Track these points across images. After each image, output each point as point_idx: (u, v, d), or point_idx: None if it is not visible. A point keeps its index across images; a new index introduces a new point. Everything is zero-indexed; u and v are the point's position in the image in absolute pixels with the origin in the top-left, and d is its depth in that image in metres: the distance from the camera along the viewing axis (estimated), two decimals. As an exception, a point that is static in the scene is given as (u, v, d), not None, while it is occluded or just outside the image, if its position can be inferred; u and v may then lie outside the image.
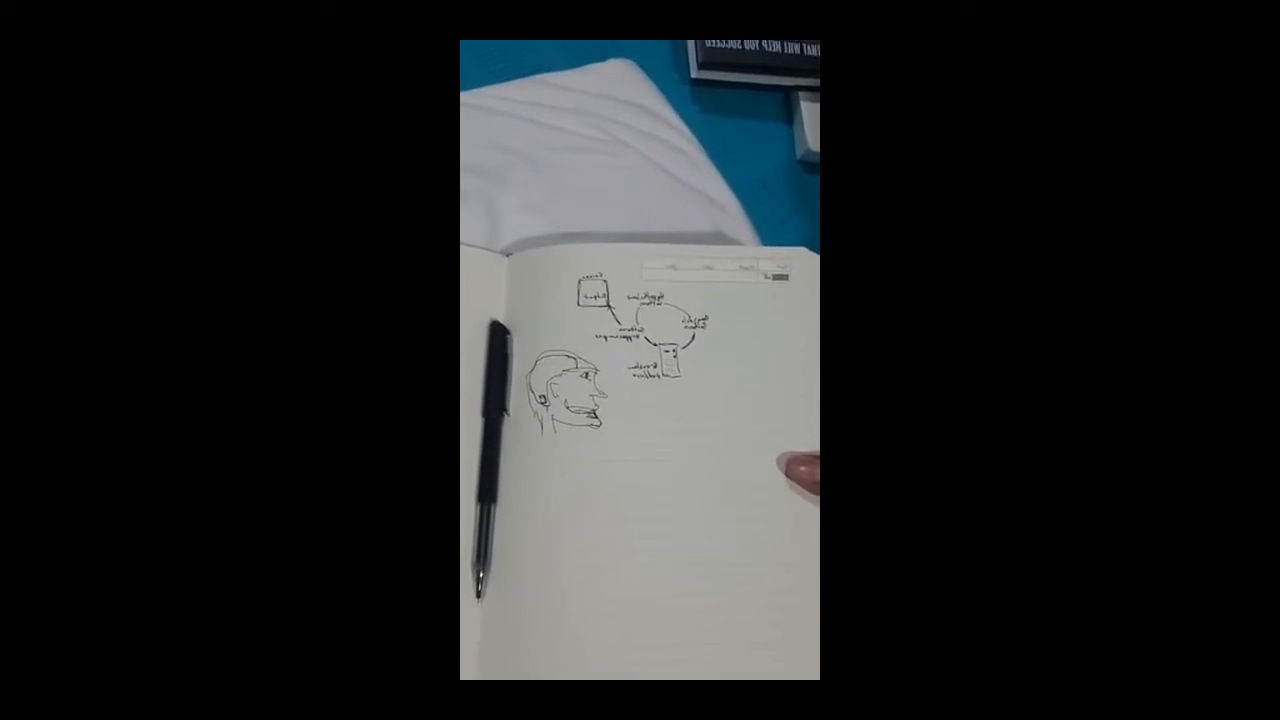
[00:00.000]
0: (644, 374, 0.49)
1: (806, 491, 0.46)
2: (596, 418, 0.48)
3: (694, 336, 0.49)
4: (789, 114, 0.64)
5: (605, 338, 0.49)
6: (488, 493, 0.47)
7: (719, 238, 0.57)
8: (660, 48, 0.64)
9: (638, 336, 0.49)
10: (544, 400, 0.48)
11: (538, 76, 0.60)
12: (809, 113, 0.63)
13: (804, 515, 0.46)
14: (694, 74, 0.63)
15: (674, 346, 0.49)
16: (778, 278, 0.50)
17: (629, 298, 0.50)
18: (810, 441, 0.47)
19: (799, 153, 0.63)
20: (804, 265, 0.50)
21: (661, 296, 0.49)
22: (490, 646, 0.44)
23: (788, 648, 0.45)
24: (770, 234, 0.59)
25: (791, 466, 0.46)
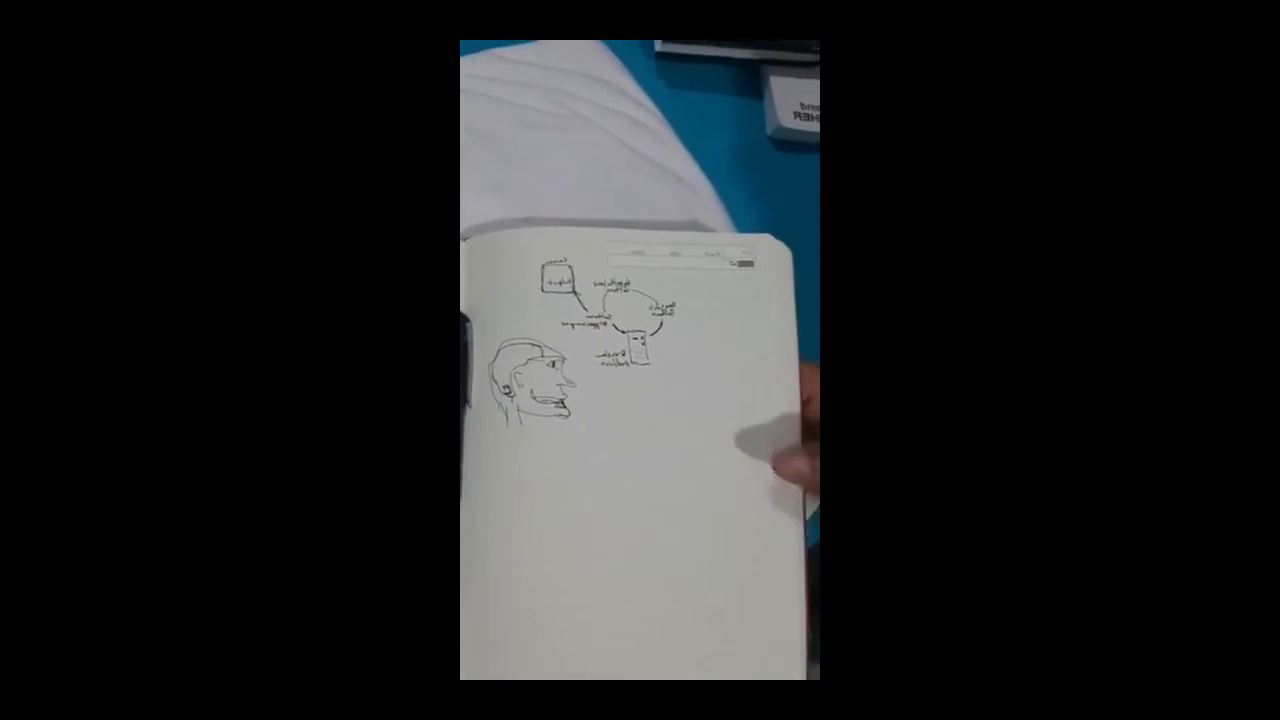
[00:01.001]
0: (613, 362, 0.47)
1: (795, 485, 0.44)
2: (565, 407, 0.46)
3: (662, 324, 0.47)
4: (758, 89, 0.62)
5: (572, 325, 0.47)
6: (450, 490, 0.44)
7: (688, 216, 0.54)
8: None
9: (605, 324, 0.47)
10: (508, 390, 0.46)
11: (493, 50, 0.57)
12: (778, 88, 0.61)
13: (777, 507, 0.44)
14: (659, 47, 0.60)
15: (642, 334, 0.47)
16: (743, 264, 0.48)
17: (595, 284, 0.48)
18: (781, 431, 0.45)
19: (769, 129, 0.61)
20: (769, 251, 0.49)
21: (628, 283, 0.48)
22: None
23: (761, 646, 0.43)
24: (741, 213, 0.56)
25: (781, 464, 0.44)
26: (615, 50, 0.59)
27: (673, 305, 0.47)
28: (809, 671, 0.45)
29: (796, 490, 0.44)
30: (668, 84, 0.60)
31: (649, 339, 0.47)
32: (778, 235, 0.56)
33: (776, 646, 0.43)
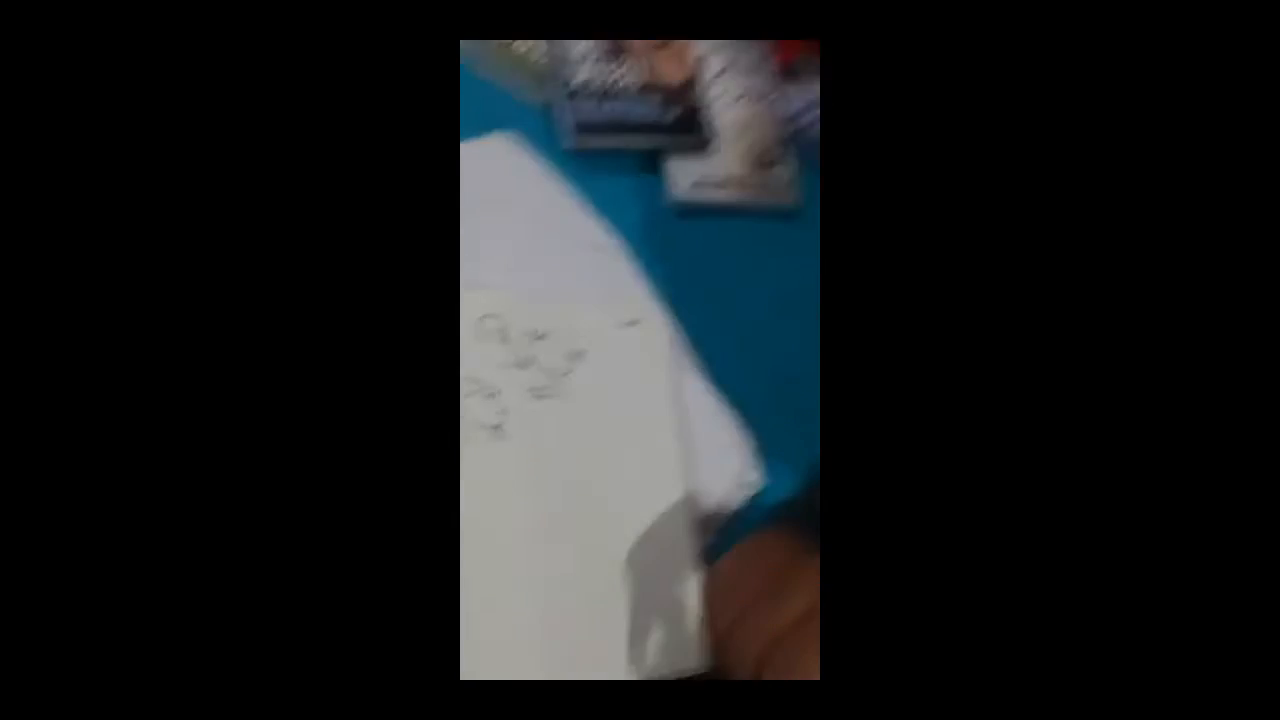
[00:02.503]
0: (540, 394, 0.54)
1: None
2: (503, 431, 0.52)
3: (574, 368, 0.56)
4: (654, 166, 0.69)
5: (504, 366, 0.54)
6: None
7: (601, 277, 0.61)
8: (532, 120, 0.68)
9: (531, 365, 0.55)
10: (448, 417, 0.51)
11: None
12: (675, 168, 0.69)
13: (669, 516, 0.53)
14: (565, 145, 0.67)
15: (559, 375, 0.56)
16: (631, 324, 0.59)
17: (522, 333, 0.56)
18: (664, 454, 0.55)
19: (669, 202, 0.68)
20: (650, 313, 0.60)
21: (546, 334, 0.56)
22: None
23: (670, 645, 0.50)
24: (649, 272, 0.63)
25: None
26: (524, 146, 0.66)
27: (582, 352, 0.56)
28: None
29: (682, 501, 0.54)
30: (575, 170, 0.66)
31: (564, 379, 0.55)
32: (683, 291, 0.64)
33: (682, 645, 0.50)
